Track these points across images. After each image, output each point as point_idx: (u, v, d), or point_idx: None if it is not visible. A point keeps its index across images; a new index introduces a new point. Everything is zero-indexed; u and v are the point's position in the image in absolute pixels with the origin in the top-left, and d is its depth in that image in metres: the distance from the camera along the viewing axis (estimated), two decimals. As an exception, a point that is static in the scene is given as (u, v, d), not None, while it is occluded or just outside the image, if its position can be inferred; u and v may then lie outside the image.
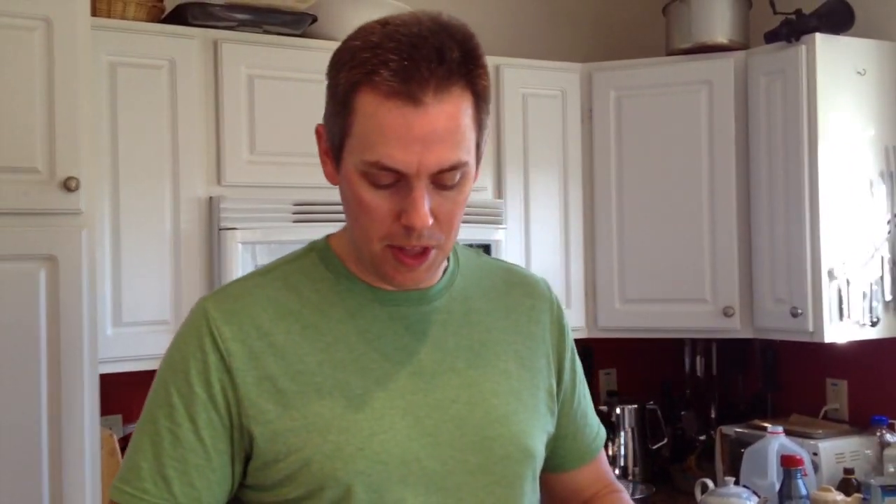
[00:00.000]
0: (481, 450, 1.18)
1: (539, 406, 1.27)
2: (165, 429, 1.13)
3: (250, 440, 1.13)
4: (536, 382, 1.27)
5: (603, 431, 1.43)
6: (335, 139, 1.13)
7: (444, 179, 1.10)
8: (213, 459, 1.13)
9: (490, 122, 1.21)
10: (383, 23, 1.09)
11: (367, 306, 1.19)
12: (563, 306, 1.39)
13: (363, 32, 1.10)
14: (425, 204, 1.08)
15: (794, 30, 2.73)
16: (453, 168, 1.09)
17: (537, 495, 1.28)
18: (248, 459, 1.15)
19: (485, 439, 1.18)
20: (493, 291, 1.30)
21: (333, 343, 1.16)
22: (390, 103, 1.05)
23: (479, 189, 2.82)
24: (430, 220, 1.09)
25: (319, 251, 1.24)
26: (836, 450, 2.78)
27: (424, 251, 1.12)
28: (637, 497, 2.97)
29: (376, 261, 1.14)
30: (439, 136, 1.07)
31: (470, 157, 1.12)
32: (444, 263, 1.26)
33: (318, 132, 1.19)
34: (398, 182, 1.08)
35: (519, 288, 1.33)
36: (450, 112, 1.07)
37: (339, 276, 1.21)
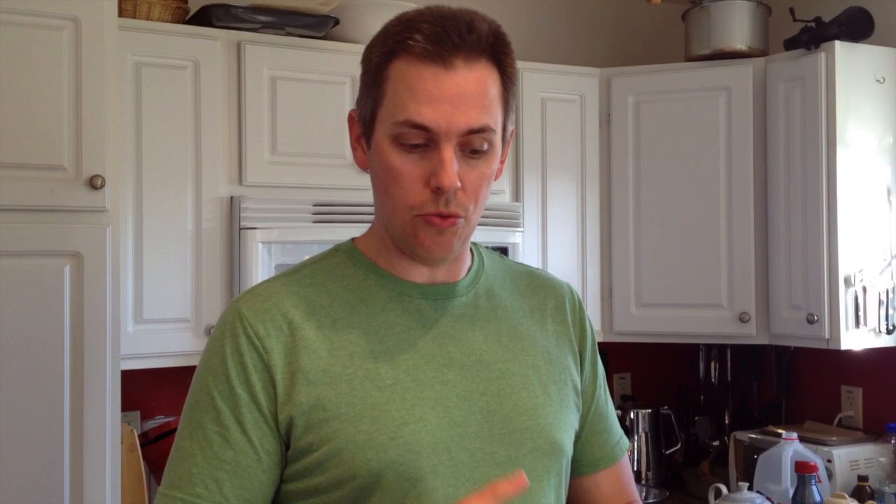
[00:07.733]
0: (510, 442, 1.19)
1: (567, 402, 1.27)
2: (214, 433, 1.14)
3: (287, 432, 1.14)
4: (564, 378, 1.28)
5: (625, 441, 1.42)
6: (367, 114, 1.17)
7: (473, 144, 1.13)
8: (263, 460, 1.14)
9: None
10: (415, 9, 1.16)
11: (395, 300, 1.21)
12: None
13: (396, 16, 1.16)
14: (454, 165, 1.11)
15: (813, 37, 2.74)
16: (482, 131, 1.13)
17: (564, 495, 1.28)
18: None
19: (514, 432, 1.19)
20: (517, 292, 1.32)
21: (364, 335, 1.18)
22: (422, 65, 1.11)
23: (497, 192, 2.84)
24: (458, 183, 1.12)
25: (346, 251, 1.26)
26: (851, 457, 2.78)
27: (452, 216, 1.14)
28: (650, 501, 2.98)
29: (406, 231, 1.16)
30: (469, 98, 1.11)
31: (497, 129, 1.15)
32: (468, 261, 1.28)
33: (350, 118, 1.22)
34: (427, 146, 1.12)
35: (542, 290, 1.35)
36: (478, 78, 1.12)
37: (368, 272, 1.22)
